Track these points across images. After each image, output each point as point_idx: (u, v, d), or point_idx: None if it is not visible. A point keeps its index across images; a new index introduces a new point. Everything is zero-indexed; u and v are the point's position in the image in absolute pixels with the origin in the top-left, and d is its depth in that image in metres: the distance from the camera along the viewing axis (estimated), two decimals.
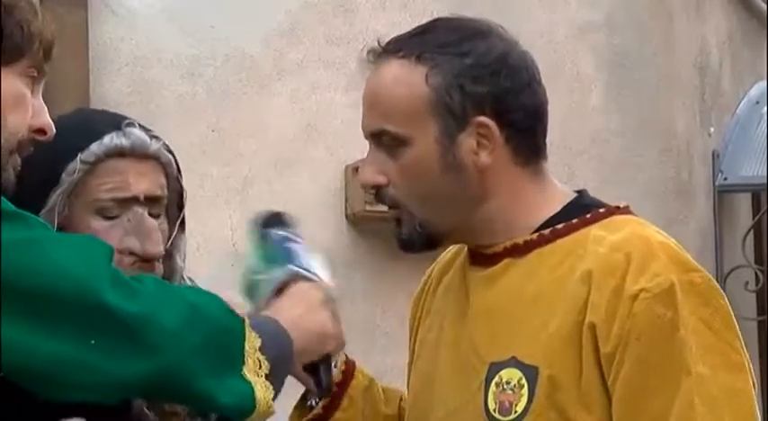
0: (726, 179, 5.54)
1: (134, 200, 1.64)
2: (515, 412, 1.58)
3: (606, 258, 1.59)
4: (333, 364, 1.60)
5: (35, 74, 1.46)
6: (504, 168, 1.69)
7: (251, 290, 1.59)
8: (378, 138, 1.64)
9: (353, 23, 3.22)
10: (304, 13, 3.12)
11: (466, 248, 1.73)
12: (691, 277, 1.59)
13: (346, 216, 3.28)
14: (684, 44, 5.34)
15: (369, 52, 1.69)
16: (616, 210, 1.71)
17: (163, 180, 1.69)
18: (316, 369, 1.56)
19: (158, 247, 1.65)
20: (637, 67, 4.83)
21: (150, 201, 1.66)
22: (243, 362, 1.41)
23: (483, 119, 1.64)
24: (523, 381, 1.59)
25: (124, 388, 1.38)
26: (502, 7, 4.00)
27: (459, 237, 1.69)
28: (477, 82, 1.64)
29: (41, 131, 1.47)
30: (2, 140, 1.43)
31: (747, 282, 5.50)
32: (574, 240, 1.64)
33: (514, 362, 1.60)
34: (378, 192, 1.65)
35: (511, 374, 1.60)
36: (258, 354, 1.42)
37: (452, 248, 1.80)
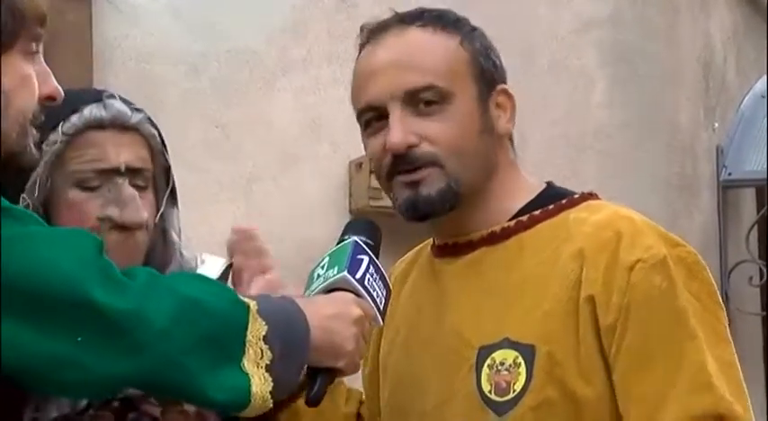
0: (730, 174, 5.53)
1: (114, 171, 1.64)
2: (514, 391, 1.60)
3: (595, 236, 1.63)
4: (331, 381, 1.52)
5: (34, 48, 1.46)
6: (506, 144, 1.75)
7: (308, 280, 1.56)
8: (416, 95, 1.64)
9: (357, 19, 3.21)
10: (307, 9, 3.11)
11: (429, 247, 1.77)
12: (678, 251, 1.64)
13: (350, 211, 3.28)
14: (688, 40, 5.33)
15: (363, 29, 1.72)
16: (589, 196, 1.76)
17: (145, 153, 1.68)
18: (315, 377, 1.50)
19: (139, 215, 1.64)
20: (641, 63, 4.83)
21: (132, 172, 1.65)
22: (243, 353, 1.38)
23: (505, 86, 1.73)
24: (520, 360, 1.61)
25: (110, 386, 1.37)
26: (506, 2, 4.00)
27: (465, 208, 1.68)
28: (495, 55, 1.73)
29: (50, 98, 1.47)
30: (14, 124, 1.42)
31: (751, 277, 5.49)
32: (553, 225, 1.68)
33: (508, 344, 1.62)
34: (407, 154, 1.63)
35: (505, 355, 1.62)
36: (261, 344, 1.39)
37: (405, 258, 1.84)
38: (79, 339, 1.28)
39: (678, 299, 1.59)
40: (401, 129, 1.63)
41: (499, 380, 1.62)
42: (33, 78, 1.45)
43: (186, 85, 2.81)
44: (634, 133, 4.73)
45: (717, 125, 5.56)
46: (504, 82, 1.74)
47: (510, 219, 1.69)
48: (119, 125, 1.66)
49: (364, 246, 1.58)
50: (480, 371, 1.63)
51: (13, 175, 1.51)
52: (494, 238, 1.69)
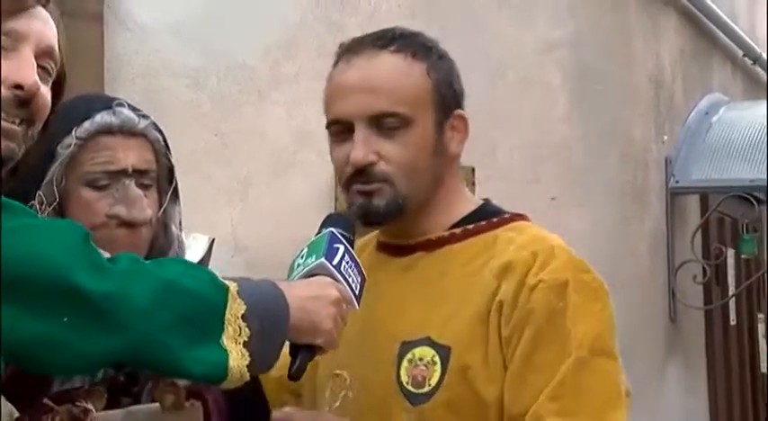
0: (677, 182, 5.56)
1: (122, 172, 1.65)
2: (429, 385, 1.63)
3: (516, 254, 1.66)
4: (311, 357, 1.52)
5: (14, 25, 1.38)
6: (455, 163, 1.76)
7: (289, 270, 1.57)
8: (379, 119, 1.66)
9: (344, 40, 3.22)
10: (299, 30, 3.11)
11: (376, 240, 1.80)
12: (583, 277, 1.67)
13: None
14: (641, 61, 5.36)
15: (341, 46, 1.73)
16: (518, 217, 1.78)
17: (150, 155, 1.69)
18: (296, 353, 1.49)
19: (143, 214, 1.65)
20: (598, 81, 4.85)
21: (138, 173, 1.66)
22: (222, 330, 1.37)
23: (461, 112, 1.74)
24: (436, 359, 1.64)
25: (96, 363, 1.36)
26: (477, 25, 4.01)
27: (410, 217, 1.71)
28: (457, 81, 1.74)
29: (18, 86, 1.39)
30: None
31: (695, 276, 5.52)
32: (483, 240, 1.71)
33: (428, 342, 1.65)
34: (365, 170, 1.66)
35: (424, 352, 1.65)
36: (240, 322, 1.38)
37: (357, 244, 1.82)
38: (65, 320, 1.27)
39: (566, 320, 1.62)
40: (363, 148, 1.65)
41: (416, 373, 1.65)
42: (6, 62, 1.36)
43: (187, 97, 2.80)
44: (592, 144, 4.75)
45: (666, 138, 5.59)
46: (461, 106, 1.75)
47: (446, 230, 1.73)
48: (127, 131, 1.66)
49: (340, 236, 1.59)
50: (400, 364, 1.65)
51: (31, 171, 1.49)
52: (429, 245, 1.72)
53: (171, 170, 1.74)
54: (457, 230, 1.72)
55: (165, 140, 1.72)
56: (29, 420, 1.49)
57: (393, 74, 1.67)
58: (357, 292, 1.56)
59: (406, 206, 1.68)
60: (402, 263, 1.72)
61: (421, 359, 1.65)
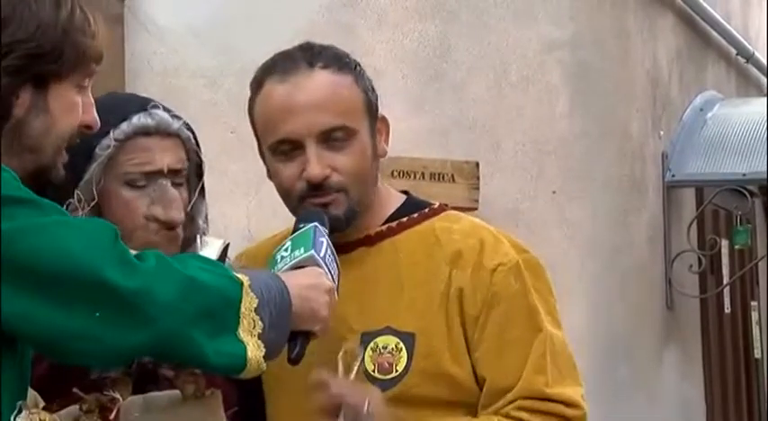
0: (673, 176, 5.55)
1: (159, 173, 1.66)
2: (396, 371, 1.67)
3: (463, 242, 1.71)
4: (308, 342, 1.53)
5: (86, 83, 1.46)
6: (379, 161, 1.78)
7: (271, 261, 1.57)
8: (329, 134, 1.67)
9: (353, 40, 3.22)
10: (310, 31, 3.11)
11: None
12: (525, 257, 1.74)
13: None
14: (639, 60, 5.34)
15: (262, 68, 1.73)
16: (445, 207, 1.82)
17: (183, 154, 1.70)
18: (294, 339, 1.50)
19: (180, 214, 1.66)
20: (598, 79, 4.83)
21: (173, 173, 1.67)
22: (238, 324, 1.39)
23: (383, 114, 1.77)
24: (401, 346, 1.67)
25: (123, 355, 1.38)
26: (481, 26, 4.00)
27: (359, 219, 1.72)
28: (373, 86, 1.76)
29: (88, 127, 1.47)
30: (53, 143, 1.42)
31: (691, 265, 5.51)
32: (420, 231, 1.75)
33: (389, 331, 1.68)
34: (322, 183, 1.67)
35: (387, 340, 1.68)
36: (253, 315, 1.40)
37: (260, 245, 1.85)
38: (97, 315, 1.29)
39: (528, 297, 1.70)
40: (319, 163, 1.66)
41: (382, 361, 1.67)
42: (79, 108, 1.44)
43: (205, 96, 2.81)
44: (591, 140, 4.74)
45: (662, 133, 5.57)
46: (378, 109, 1.77)
47: (382, 224, 1.75)
48: (162, 131, 1.67)
49: (323, 231, 1.60)
50: (364, 354, 1.67)
51: (69, 172, 1.51)
52: (369, 240, 1.75)
53: (199, 166, 1.75)
54: (393, 224, 1.76)
55: (195, 138, 1.73)
56: (57, 408, 1.50)
57: (332, 89, 1.68)
58: (336, 284, 1.57)
59: (359, 211, 1.71)
60: (345, 259, 1.70)
61: (385, 347, 1.67)
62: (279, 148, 1.70)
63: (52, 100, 1.41)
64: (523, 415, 1.65)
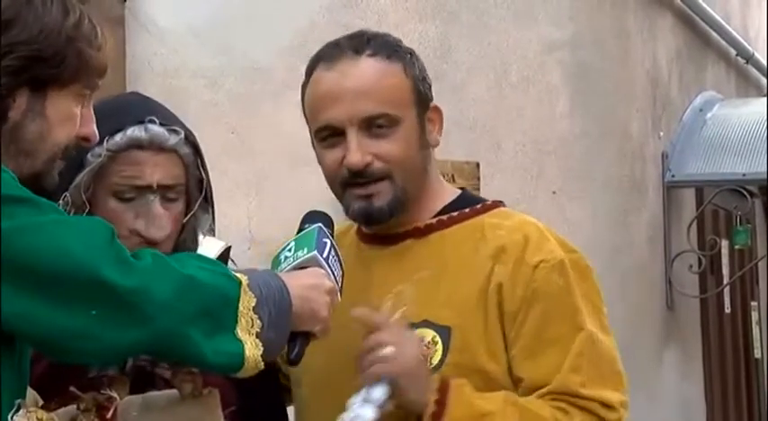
0: (673, 176, 5.55)
1: (148, 188, 1.64)
2: (431, 364, 1.65)
3: (507, 238, 1.69)
4: (308, 343, 1.52)
5: (88, 93, 1.45)
6: (433, 153, 1.77)
7: (274, 261, 1.57)
8: (371, 121, 1.66)
9: None
10: (311, 31, 3.11)
11: (354, 232, 1.79)
12: (572, 256, 1.72)
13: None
14: (638, 60, 5.34)
15: (315, 56, 1.73)
16: (499, 204, 1.80)
17: (178, 170, 1.67)
18: (294, 339, 1.49)
19: (160, 233, 1.64)
20: (598, 80, 4.83)
21: (163, 188, 1.65)
22: (236, 322, 1.38)
23: (435, 104, 1.75)
24: (437, 339, 1.65)
25: (121, 353, 1.38)
26: (481, 27, 4.00)
27: (406, 210, 1.71)
28: (427, 76, 1.75)
29: (86, 139, 1.47)
30: (47, 149, 1.42)
31: (691, 265, 5.51)
32: (470, 225, 1.73)
33: (426, 324, 1.66)
34: (364, 171, 1.66)
35: (424, 333, 1.66)
36: (251, 314, 1.39)
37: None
38: (93, 313, 1.29)
39: (572, 295, 1.67)
40: (359, 150, 1.66)
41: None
42: (77, 119, 1.44)
43: (206, 97, 2.80)
44: (591, 141, 4.74)
45: (662, 134, 5.57)
46: (432, 98, 1.76)
47: (432, 218, 1.74)
48: (156, 146, 1.64)
49: (327, 232, 1.59)
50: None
51: (60, 176, 1.51)
52: (418, 233, 1.73)
53: (201, 181, 1.72)
54: (443, 217, 1.74)
55: (198, 151, 1.70)
56: (55, 407, 1.50)
57: (377, 77, 1.68)
58: (339, 285, 1.56)
59: (405, 200, 1.69)
60: (392, 251, 1.72)
61: (421, 339, 1.65)
62: (322, 135, 1.70)
63: (50, 106, 1.40)
64: (561, 404, 1.63)
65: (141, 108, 1.71)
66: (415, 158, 1.70)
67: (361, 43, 1.71)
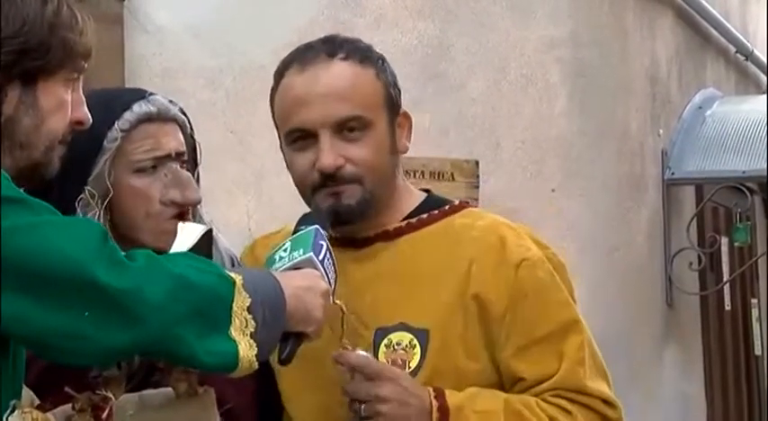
0: (673, 174, 5.54)
1: (167, 157, 1.67)
2: (410, 367, 1.65)
3: (482, 240, 1.69)
4: (300, 343, 1.52)
5: (75, 76, 1.45)
6: (400, 158, 1.78)
7: (269, 261, 1.56)
8: (344, 124, 1.66)
9: None
10: (309, 30, 3.10)
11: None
12: (548, 253, 1.73)
13: None
14: (637, 58, 5.34)
15: (285, 59, 1.72)
16: (466, 204, 1.81)
17: (182, 137, 1.71)
18: (287, 339, 1.49)
19: (197, 194, 1.68)
20: (597, 78, 4.83)
21: (178, 156, 1.69)
22: (230, 323, 1.38)
23: (404, 109, 1.76)
24: (415, 342, 1.66)
25: (115, 354, 1.38)
26: (481, 25, 4.00)
27: (374, 213, 1.71)
28: (397, 82, 1.76)
29: (79, 123, 1.47)
30: (44, 139, 1.42)
31: (691, 263, 5.50)
32: (440, 228, 1.74)
33: (403, 327, 1.66)
34: (335, 174, 1.66)
35: (401, 337, 1.66)
36: (245, 314, 1.39)
37: (271, 236, 1.83)
38: (86, 314, 1.28)
39: (558, 289, 1.68)
40: (331, 153, 1.65)
41: (396, 357, 1.66)
42: (69, 104, 1.44)
43: (204, 96, 2.80)
44: (591, 138, 4.73)
45: (662, 132, 5.56)
46: (401, 105, 1.76)
47: (401, 221, 1.74)
48: (163, 117, 1.68)
49: (323, 234, 1.59)
50: (378, 350, 1.66)
51: (75, 168, 1.52)
52: (387, 236, 1.73)
53: (194, 149, 1.76)
54: (413, 220, 1.74)
55: (189, 123, 1.75)
56: (50, 407, 1.50)
57: (351, 79, 1.68)
58: (333, 287, 1.56)
59: (374, 203, 1.69)
60: (361, 254, 1.72)
61: (398, 343, 1.66)
62: (293, 138, 1.69)
63: (41, 96, 1.40)
64: (562, 402, 1.64)
65: (135, 89, 1.77)
66: (385, 163, 1.70)
67: (334, 47, 1.71)
